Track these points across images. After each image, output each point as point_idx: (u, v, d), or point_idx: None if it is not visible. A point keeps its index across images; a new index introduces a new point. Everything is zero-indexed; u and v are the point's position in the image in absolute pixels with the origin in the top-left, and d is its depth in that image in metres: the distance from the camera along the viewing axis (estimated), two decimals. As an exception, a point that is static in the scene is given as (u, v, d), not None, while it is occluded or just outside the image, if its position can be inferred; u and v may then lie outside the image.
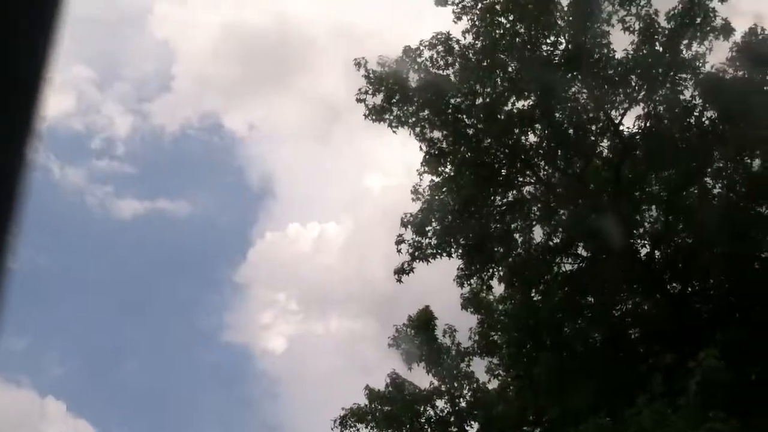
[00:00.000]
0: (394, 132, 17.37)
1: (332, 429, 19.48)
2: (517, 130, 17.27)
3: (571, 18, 16.42)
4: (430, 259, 18.18)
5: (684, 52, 16.40)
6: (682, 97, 16.71)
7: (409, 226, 18.13)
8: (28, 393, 51.09)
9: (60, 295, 57.72)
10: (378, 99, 17.27)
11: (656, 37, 16.32)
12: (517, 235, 18.20)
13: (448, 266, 18.59)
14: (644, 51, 16.34)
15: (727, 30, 16.19)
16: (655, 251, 18.09)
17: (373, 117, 17.34)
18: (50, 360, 60.18)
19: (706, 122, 16.96)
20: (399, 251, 18.23)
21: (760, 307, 16.98)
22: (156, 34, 50.32)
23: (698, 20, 16.04)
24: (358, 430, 19.54)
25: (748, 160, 17.24)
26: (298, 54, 45.77)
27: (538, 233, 18.17)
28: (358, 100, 17.36)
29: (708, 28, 16.16)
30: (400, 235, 18.25)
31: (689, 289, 18.15)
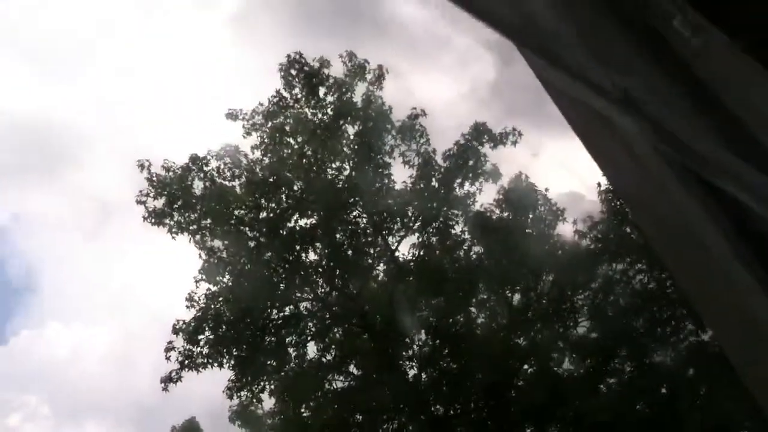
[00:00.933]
0: (173, 238, 17.23)
1: None
2: (298, 247, 17.73)
3: (356, 146, 17.36)
4: (200, 369, 17.91)
5: (457, 189, 17.80)
6: (453, 231, 18.01)
7: (181, 333, 17.84)
8: None
9: None
10: (159, 203, 17.14)
11: (433, 173, 17.61)
12: (291, 350, 18.45)
13: (219, 376, 18.39)
14: (421, 185, 17.55)
15: (495, 174, 17.85)
16: (422, 373, 18.97)
17: (153, 220, 17.16)
18: None
19: (473, 256, 18.34)
20: (168, 359, 17.84)
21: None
22: None
23: (471, 162, 17.51)
24: None
25: (509, 294, 18.74)
26: (67, 144, 44.13)
27: (311, 349, 18.49)
28: (138, 202, 17.17)
29: (479, 171, 17.69)
30: (170, 342, 17.90)
31: (452, 412, 19.07)
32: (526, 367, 18.83)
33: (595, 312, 18.24)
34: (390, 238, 18.10)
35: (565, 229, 18.53)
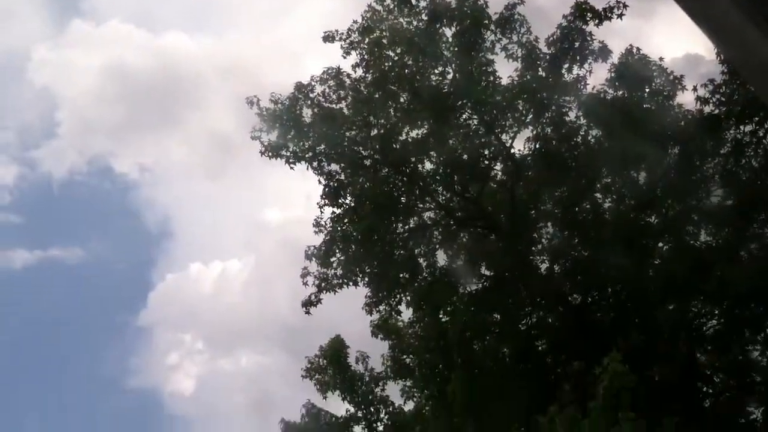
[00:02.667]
0: (291, 168, 18.06)
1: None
2: (413, 159, 18.22)
3: (455, 48, 17.45)
4: (336, 289, 19.01)
5: (566, 75, 17.68)
6: (567, 118, 17.99)
7: (314, 259, 18.91)
8: None
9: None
10: (273, 136, 17.92)
11: (538, 62, 17.56)
12: (421, 260, 19.19)
13: (356, 295, 19.46)
14: (528, 76, 17.54)
15: (604, 52, 17.56)
16: (554, 266, 19.40)
17: (270, 154, 18.00)
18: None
19: (592, 140, 18.32)
20: (305, 284, 19.05)
21: (655, 312, 18.50)
22: (35, 80, 49.37)
23: (576, 44, 17.29)
24: (278, 465, 20.16)
25: (634, 174, 18.69)
26: (183, 92, 45.91)
27: (441, 257, 19.20)
28: (253, 138, 17.99)
29: (586, 52, 17.47)
30: (305, 268, 19.05)
31: (589, 299, 19.53)
32: (661, 245, 18.87)
33: (728, 178, 17.96)
34: (503, 136, 18.34)
35: (686, 98, 18.16)
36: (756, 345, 18.51)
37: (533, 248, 19.25)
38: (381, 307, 19.74)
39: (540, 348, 20.16)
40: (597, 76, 18.23)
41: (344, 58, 17.90)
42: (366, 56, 17.76)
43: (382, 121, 18.04)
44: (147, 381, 61.99)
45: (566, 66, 17.72)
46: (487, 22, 17.72)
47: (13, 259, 56.58)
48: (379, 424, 20.69)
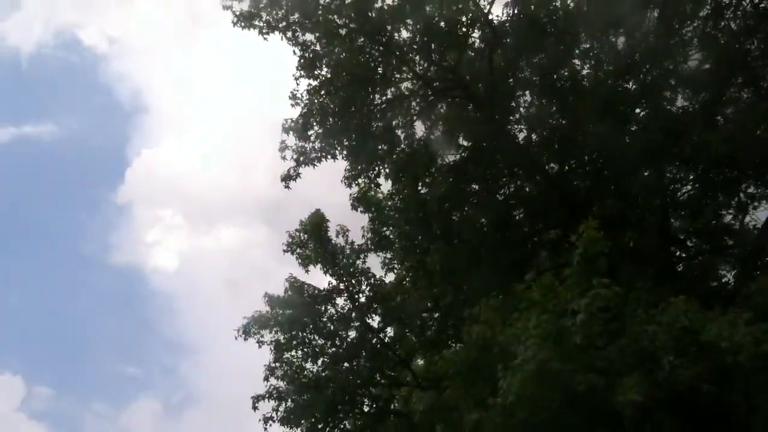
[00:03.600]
0: (265, 39, 17.84)
1: (236, 338, 20.77)
2: (389, 27, 18.04)
3: None
4: (315, 163, 19.19)
5: (545, -64, 17.35)
6: (546, -19, 17.78)
7: (291, 132, 18.97)
8: None
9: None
10: (245, 5, 17.60)
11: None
12: (399, 132, 19.35)
13: (334, 168, 19.69)
14: (506, -62, 17.19)
15: None
16: (532, 135, 19.67)
17: (242, 24, 17.73)
18: None
19: (571, 5, 18.21)
20: (283, 158, 19.17)
21: (631, 179, 18.92)
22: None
23: None
24: (261, 336, 20.89)
25: (613, 39, 18.70)
26: None
27: (419, 128, 19.35)
28: (225, 8, 17.65)
29: None
30: (283, 142, 19.13)
31: (566, 168, 19.90)
32: (638, 111, 19.09)
33: (706, 42, 18.02)
34: (481, 2, 18.10)
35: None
36: (729, 209, 19.06)
37: (511, 117, 19.44)
38: (360, 180, 20.05)
39: (517, 217, 20.68)
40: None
41: None
42: None
43: (358, -13, 17.70)
44: (128, 258, 62.95)
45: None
46: None
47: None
48: (360, 295, 21.40)
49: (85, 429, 54.17)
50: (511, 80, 19.03)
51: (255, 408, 20.50)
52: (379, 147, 19.34)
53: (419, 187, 20.06)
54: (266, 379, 21.02)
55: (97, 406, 58.04)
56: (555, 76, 18.99)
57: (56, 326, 58.51)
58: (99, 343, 60.67)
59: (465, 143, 19.94)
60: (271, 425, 20.37)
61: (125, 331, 61.81)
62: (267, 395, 20.77)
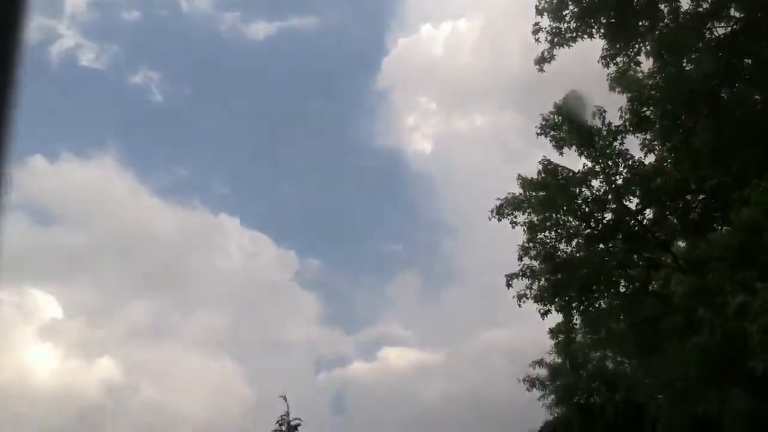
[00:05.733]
0: None
1: (489, 219, 21.97)
2: None
3: None
4: (570, 44, 19.28)
5: None
6: None
7: (545, 13, 19.12)
8: (202, 213, 58.78)
9: (210, 124, 63.50)
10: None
11: None
12: (662, 6, 18.75)
13: (591, 48, 19.64)
14: None
15: None
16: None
17: None
18: (215, 183, 67.52)
19: None
20: (537, 40, 19.44)
21: None
22: None
23: None
24: (515, 217, 21.90)
25: None
26: None
27: (684, 0, 18.62)
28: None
29: None
30: (536, 24, 19.36)
31: None
32: None
33: None
34: None
35: None
36: None
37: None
38: (618, 59, 19.86)
39: (796, 92, 19.41)
40: None
41: None
42: None
43: None
44: (390, 141, 67.57)
45: None
46: None
47: (256, 31, 62.00)
48: (617, 177, 21.53)
49: (351, 299, 60.02)
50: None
51: (509, 286, 21.85)
52: (641, 23, 18.93)
53: (684, 64, 19.45)
54: (520, 258, 22.16)
55: (362, 279, 63.85)
56: None
57: (326, 207, 64.48)
58: (364, 221, 66.06)
59: (737, 14, 18.86)
60: (524, 302, 21.66)
61: (388, 211, 66.60)
62: (520, 274, 21.96)
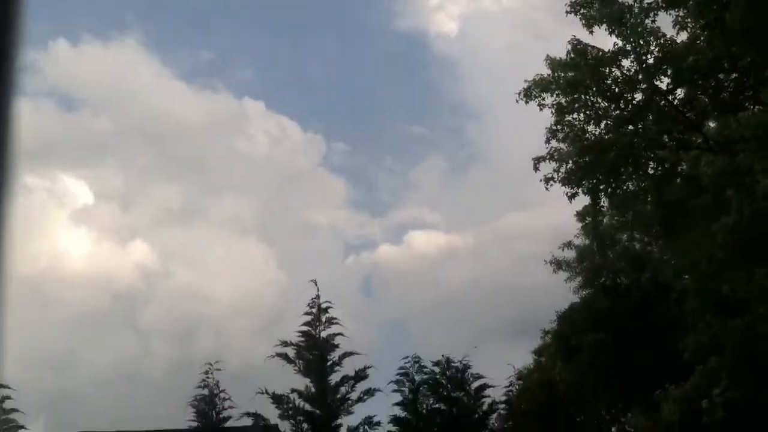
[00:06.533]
0: None
1: (517, 101, 21.82)
2: None
3: None
4: None
5: None
6: None
7: None
8: (225, 96, 58.82)
9: (233, 7, 62.59)
10: None
11: None
12: None
13: None
14: None
15: None
16: None
17: None
18: (239, 65, 67.09)
19: None
20: None
21: None
22: None
23: None
24: (542, 99, 21.72)
25: None
26: None
27: None
28: None
29: None
30: None
31: None
32: None
33: None
34: None
35: None
36: None
37: None
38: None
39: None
40: None
41: None
42: None
43: None
44: (412, 23, 66.44)
45: None
46: None
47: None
48: (648, 56, 21.13)
49: (377, 183, 60.52)
50: None
51: (536, 169, 21.93)
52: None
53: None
54: (547, 141, 22.12)
55: (388, 163, 64.20)
56: None
57: (350, 91, 64.09)
58: (388, 105, 65.79)
59: None
60: (551, 185, 21.79)
61: (412, 94, 66.12)
62: (548, 157, 21.98)
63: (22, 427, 23.77)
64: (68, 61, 51.33)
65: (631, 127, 21.55)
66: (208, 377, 26.73)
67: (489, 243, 51.18)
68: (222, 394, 27.25)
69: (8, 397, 24.90)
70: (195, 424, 27.02)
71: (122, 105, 56.52)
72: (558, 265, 29.76)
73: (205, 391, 27.01)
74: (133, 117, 55.72)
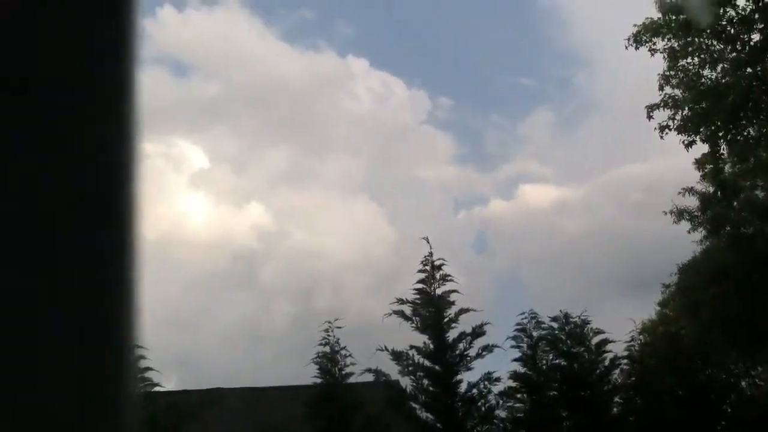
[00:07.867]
0: None
1: (626, 48, 21.42)
2: None
3: None
4: None
5: None
6: None
7: None
8: (328, 55, 59.92)
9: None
10: None
11: None
12: None
13: None
14: None
15: None
16: None
17: None
18: (341, 23, 68.03)
19: None
20: None
21: None
22: None
23: None
24: (654, 43, 21.23)
25: None
26: None
27: None
28: None
29: None
30: None
31: None
32: None
33: None
34: None
35: None
36: None
37: None
38: None
39: None
40: None
41: None
42: None
43: None
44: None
45: None
46: None
47: None
48: (766, -7, 20.25)
49: (485, 138, 60.00)
50: None
51: (650, 117, 21.56)
52: None
53: None
54: (661, 88, 21.68)
55: (494, 117, 63.39)
56: None
57: (455, 44, 63.53)
58: (493, 57, 64.73)
59: None
60: (667, 133, 21.40)
61: (517, 45, 64.68)
62: (662, 104, 21.57)
63: (157, 384, 25.75)
64: (175, 27, 53.41)
65: (749, 69, 20.80)
66: (328, 335, 27.97)
67: (603, 195, 50.03)
68: (343, 351, 28.43)
69: (143, 357, 27.01)
70: (319, 381, 28.45)
71: (229, 68, 58.28)
72: (679, 214, 29.02)
73: (327, 349, 28.27)
74: (239, 80, 57.36)
